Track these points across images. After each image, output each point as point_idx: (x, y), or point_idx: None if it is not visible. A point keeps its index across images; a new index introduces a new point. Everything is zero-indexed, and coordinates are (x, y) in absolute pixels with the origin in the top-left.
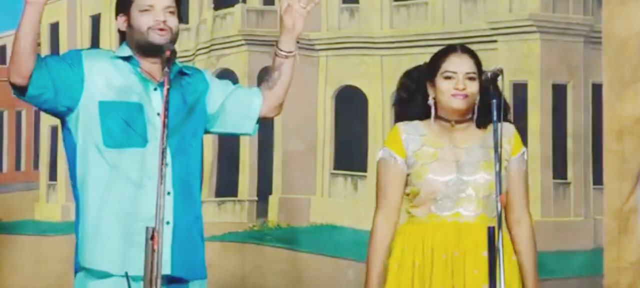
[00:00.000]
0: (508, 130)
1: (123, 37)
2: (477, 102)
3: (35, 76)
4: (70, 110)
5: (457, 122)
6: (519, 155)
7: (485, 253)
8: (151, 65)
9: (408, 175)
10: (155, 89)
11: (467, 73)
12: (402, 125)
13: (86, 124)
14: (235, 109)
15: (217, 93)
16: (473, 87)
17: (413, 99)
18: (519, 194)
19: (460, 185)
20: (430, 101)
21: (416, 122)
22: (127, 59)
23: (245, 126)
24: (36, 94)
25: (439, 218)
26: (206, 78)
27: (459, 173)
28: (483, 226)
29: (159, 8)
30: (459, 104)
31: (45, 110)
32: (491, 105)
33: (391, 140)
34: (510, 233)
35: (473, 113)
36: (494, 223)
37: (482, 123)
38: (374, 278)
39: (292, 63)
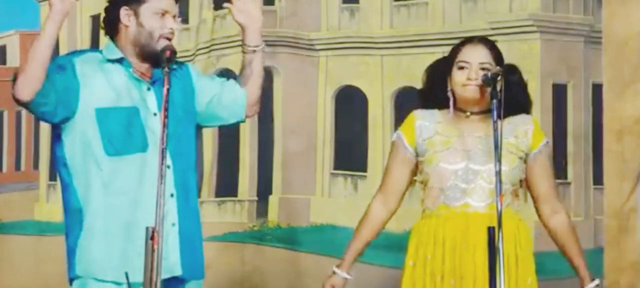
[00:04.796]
0: (526, 121)
1: (111, 32)
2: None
3: (46, 82)
4: (66, 119)
5: (474, 113)
6: (539, 147)
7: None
8: (142, 65)
9: (420, 162)
10: (148, 89)
11: (482, 63)
12: (418, 112)
13: (84, 133)
14: (224, 103)
15: (205, 91)
16: None
17: (433, 91)
18: (546, 185)
19: (469, 174)
20: (449, 93)
21: (434, 111)
22: (117, 61)
23: (236, 115)
24: (40, 102)
25: (449, 210)
26: (191, 73)
27: (469, 162)
28: (493, 216)
29: (171, 15)
30: (470, 92)
31: (41, 119)
32: (512, 98)
33: (405, 126)
34: (547, 227)
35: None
36: (506, 214)
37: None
38: (353, 250)
39: (261, 57)
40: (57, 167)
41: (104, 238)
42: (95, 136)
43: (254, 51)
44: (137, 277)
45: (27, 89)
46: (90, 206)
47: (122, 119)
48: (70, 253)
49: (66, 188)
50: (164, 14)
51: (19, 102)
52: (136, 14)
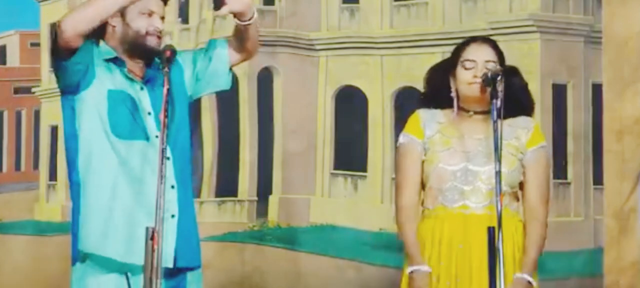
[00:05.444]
0: (527, 122)
1: (100, 34)
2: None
3: (86, 43)
4: (79, 88)
5: (477, 112)
6: (535, 148)
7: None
8: (134, 64)
9: (423, 161)
10: (142, 89)
11: (487, 61)
12: (421, 111)
13: (94, 109)
14: (207, 76)
15: (189, 70)
16: None
17: (436, 93)
18: (533, 187)
19: (468, 176)
20: (453, 93)
21: (436, 110)
22: (112, 60)
23: (220, 84)
24: (78, 61)
25: (446, 211)
26: (178, 60)
27: (468, 163)
28: (490, 217)
29: (158, 15)
30: (475, 90)
31: (68, 77)
32: (514, 99)
33: (411, 125)
34: (524, 227)
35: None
36: (505, 215)
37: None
38: (414, 246)
39: (256, 22)
40: (66, 142)
41: (108, 216)
42: (105, 116)
43: (250, 21)
44: (137, 260)
45: (78, 31)
46: (91, 182)
47: (130, 106)
48: (73, 228)
49: (72, 166)
50: (150, 14)
51: (62, 43)
52: (123, 15)
